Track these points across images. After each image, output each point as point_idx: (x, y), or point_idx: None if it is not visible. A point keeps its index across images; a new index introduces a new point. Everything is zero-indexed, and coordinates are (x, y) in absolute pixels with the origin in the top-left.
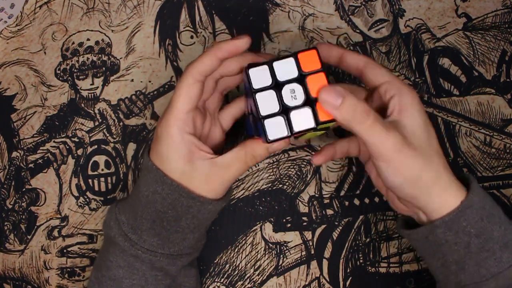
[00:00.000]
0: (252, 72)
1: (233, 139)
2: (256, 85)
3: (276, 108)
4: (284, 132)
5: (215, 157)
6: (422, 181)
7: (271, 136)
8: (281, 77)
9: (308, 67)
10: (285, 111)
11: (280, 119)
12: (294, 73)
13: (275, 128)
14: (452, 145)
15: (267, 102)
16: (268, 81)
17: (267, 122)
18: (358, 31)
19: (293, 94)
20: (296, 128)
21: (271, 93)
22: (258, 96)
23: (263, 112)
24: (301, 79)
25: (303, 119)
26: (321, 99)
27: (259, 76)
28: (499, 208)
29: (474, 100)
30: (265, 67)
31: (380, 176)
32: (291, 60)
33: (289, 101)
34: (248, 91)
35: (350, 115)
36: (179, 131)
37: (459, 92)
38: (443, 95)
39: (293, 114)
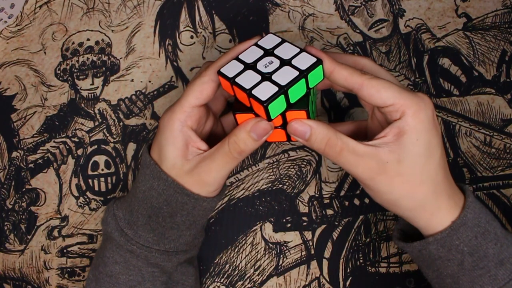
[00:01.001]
0: (224, 69)
1: None
2: (231, 74)
3: (257, 78)
4: (275, 88)
5: (205, 152)
6: (403, 207)
7: (264, 97)
8: (250, 60)
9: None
10: (266, 78)
11: (266, 83)
12: (260, 53)
13: (265, 90)
14: (452, 145)
15: (247, 79)
16: (240, 67)
17: (255, 91)
18: (358, 31)
19: (268, 64)
20: (283, 81)
21: (248, 72)
22: (238, 79)
23: (247, 86)
24: (270, 54)
25: (286, 74)
26: (290, 132)
27: (231, 68)
28: (496, 223)
29: (474, 100)
30: (233, 61)
31: None
32: (253, 47)
33: (267, 69)
34: (231, 84)
35: (319, 146)
36: (180, 122)
37: (459, 92)
38: (443, 95)
39: (276, 75)
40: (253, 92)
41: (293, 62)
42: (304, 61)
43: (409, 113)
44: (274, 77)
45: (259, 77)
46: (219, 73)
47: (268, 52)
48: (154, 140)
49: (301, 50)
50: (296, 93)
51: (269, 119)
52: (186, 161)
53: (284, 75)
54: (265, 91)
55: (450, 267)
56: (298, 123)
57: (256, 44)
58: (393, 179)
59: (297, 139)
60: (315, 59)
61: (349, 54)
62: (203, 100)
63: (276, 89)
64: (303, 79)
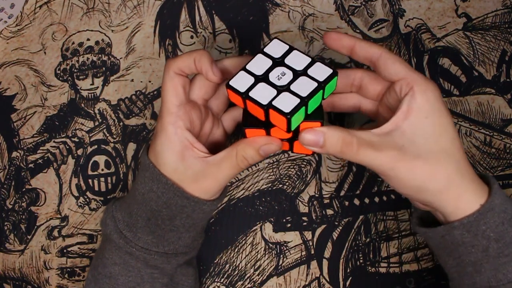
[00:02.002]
0: (232, 82)
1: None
2: (242, 89)
3: (273, 92)
4: (296, 100)
5: (208, 156)
6: (429, 191)
7: (287, 109)
8: (260, 72)
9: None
10: (283, 90)
11: (286, 94)
12: (269, 63)
13: (286, 102)
14: None
15: (262, 93)
16: (251, 80)
17: (276, 102)
18: (358, 31)
19: (281, 76)
20: (304, 93)
21: (262, 85)
22: (252, 94)
23: (264, 102)
24: (280, 64)
25: (305, 85)
26: (303, 143)
27: (241, 81)
28: None
29: (474, 100)
30: (241, 72)
31: None
32: (260, 56)
33: (281, 82)
34: (243, 99)
35: (335, 150)
36: (172, 125)
37: (459, 92)
38: (443, 95)
39: (294, 86)
40: (274, 103)
41: (309, 72)
42: (321, 71)
43: (417, 89)
44: (293, 87)
45: (274, 91)
46: (228, 86)
47: (278, 62)
48: (152, 145)
49: (313, 60)
50: (313, 104)
51: (289, 130)
52: (187, 165)
53: (303, 86)
54: (286, 102)
55: (474, 253)
56: (310, 133)
57: (263, 52)
58: (412, 163)
59: (312, 149)
60: (331, 71)
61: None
62: (182, 94)
63: (297, 100)
64: (321, 91)
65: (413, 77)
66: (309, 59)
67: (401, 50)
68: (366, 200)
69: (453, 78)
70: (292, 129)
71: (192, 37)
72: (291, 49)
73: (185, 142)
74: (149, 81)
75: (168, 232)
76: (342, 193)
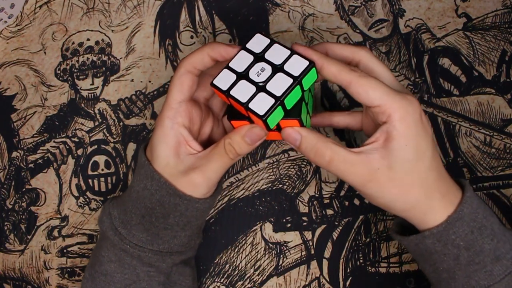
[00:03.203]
0: (216, 81)
1: None
2: (225, 87)
3: (252, 90)
4: (271, 101)
5: (199, 152)
6: (395, 209)
7: (261, 111)
8: (241, 68)
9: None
10: (261, 88)
11: (262, 95)
12: (250, 59)
13: (262, 103)
14: (452, 145)
15: (242, 91)
16: (233, 77)
17: (252, 105)
18: (358, 31)
19: (261, 72)
20: (279, 92)
21: (242, 83)
22: (233, 92)
23: (243, 100)
24: (261, 59)
25: (280, 83)
26: (284, 138)
27: (224, 79)
28: (494, 218)
29: (474, 100)
30: (224, 70)
31: None
32: (242, 52)
33: (260, 78)
34: (226, 96)
35: (308, 156)
36: (169, 120)
37: (459, 92)
38: (443, 95)
39: (270, 85)
40: (250, 106)
41: (285, 67)
42: (297, 65)
43: (395, 117)
44: (268, 87)
45: (253, 88)
46: (212, 85)
47: (258, 57)
48: (150, 139)
49: (292, 52)
50: (292, 99)
51: (268, 129)
52: (179, 161)
53: (279, 84)
54: (262, 104)
55: (446, 261)
56: (290, 129)
57: (245, 48)
58: (384, 184)
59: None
60: (307, 63)
61: (346, 45)
62: (186, 92)
63: (272, 101)
64: (298, 85)
65: (389, 103)
66: (288, 52)
67: (401, 50)
68: (366, 200)
69: (453, 78)
70: (271, 127)
71: (192, 37)
72: (272, 42)
73: (180, 138)
74: (149, 81)
75: (162, 230)
76: (342, 193)
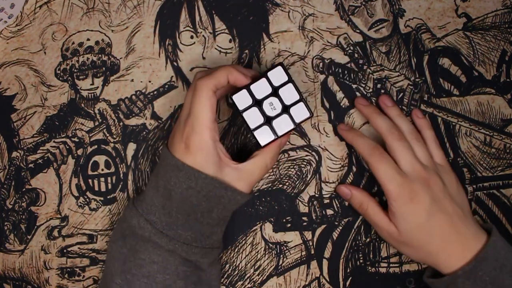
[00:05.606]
0: (235, 97)
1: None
2: (240, 106)
3: (261, 120)
4: (272, 136)
5: (238, 164)
6: (415, 260)
7: (262, 142)
8: (259, 96)
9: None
10: (268, 120)
11: (266, 128)
12: (268, 90)
13: (264, 135)
14: (452, 145)
15: (253, 117)
16: (249, 101)
17: (257, 133)
18: (358, 31)
19: (272, 106)
20: (280, 132)
21: (254, 110)
22: (245, 114)
23: (252, 126)
24: (275, 92)
25: (283, 124)
26: (338, 192)
27: (242, 99)
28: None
29: (474, 100)
30: (244, 91)
31: None
32: (263, 80)
33: (270, 112)
34: (237, 113)
35: (355, 206)
36: (212, 140)
37: (459, 92)
38: (443, 95)
39: (275, 122)
40: (255, 133)
41: (291, 111)
42: (299, 113)
43: (393, 204)
44: (274, 124)
45: (262, 119)
46: (231, 99)
47: (274, 91)
48: (185, 156)
49: (300, 99)
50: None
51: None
52: (222, 173)
53: (282, 126)
54: (264, 136)
55: None
56: (343, 187)
57: (266, 77)
58: (399, 245)
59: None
60: (308, 114)
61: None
62: (215, 112)
63: (273, 137)
64: (294, 128)
65: (390, 194)
66: (297, 97)
67: (401, 50)
68: None
69: (453, 78)
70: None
71: (192, 37)
72: (288, 81)
73: (220, 154)
74: (149, 81)
75: (204, 226)
76: None
